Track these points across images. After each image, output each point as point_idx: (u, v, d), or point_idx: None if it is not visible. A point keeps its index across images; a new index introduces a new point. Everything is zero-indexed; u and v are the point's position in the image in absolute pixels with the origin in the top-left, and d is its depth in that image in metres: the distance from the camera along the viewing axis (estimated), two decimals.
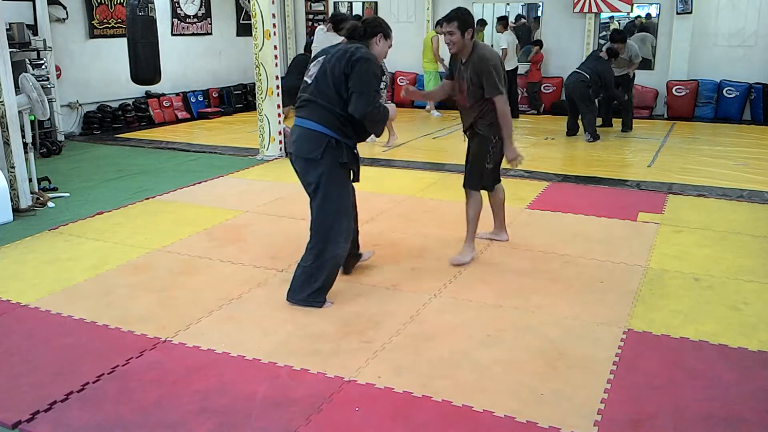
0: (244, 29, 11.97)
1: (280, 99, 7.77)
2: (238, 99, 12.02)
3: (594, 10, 10.83)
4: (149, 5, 7.04)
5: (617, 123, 9.49)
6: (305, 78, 3.63)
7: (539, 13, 11.66)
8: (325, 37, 7.68)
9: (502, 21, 10.63)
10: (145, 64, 7.18)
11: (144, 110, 10.42)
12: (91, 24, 9.62)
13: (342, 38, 3.76)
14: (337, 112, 3.49)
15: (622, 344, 3.24)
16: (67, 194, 6.19)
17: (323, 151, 3.48)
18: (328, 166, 3.52)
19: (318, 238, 3.61)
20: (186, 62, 11.27)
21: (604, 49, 8.96)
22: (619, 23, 11.69)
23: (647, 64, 10.75)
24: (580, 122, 8.94)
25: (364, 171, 6.97)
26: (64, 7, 9.14)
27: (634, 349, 3.20)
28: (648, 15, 11.69)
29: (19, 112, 5.62)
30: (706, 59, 10.47)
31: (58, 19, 9.09)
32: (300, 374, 2.98)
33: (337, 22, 7.14)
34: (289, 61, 12.08)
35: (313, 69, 3.58)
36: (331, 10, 12.91)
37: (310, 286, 3.63)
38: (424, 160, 7.58)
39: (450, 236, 4.84)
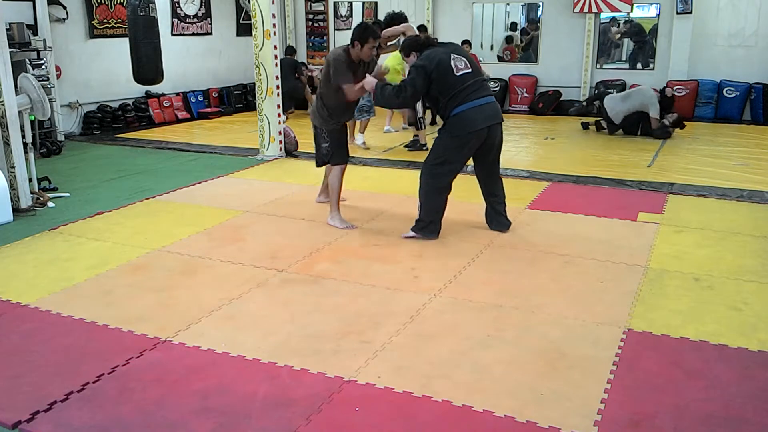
0: (244, 29, 11.97)
1: (280, 99, 7.77)
2: (238, 99, 12.02)
3: (594, 10, 10.83)
4: (150, 5, 7.03)
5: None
6: (463, 71, 4.48)
7: (539, 13, 11.65)
8: None
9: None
10: (147, 64, 7.18)
11: (144, 110, 10.42)
12: (91, 24, 9.62)
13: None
14: None
15: (622, 344, 3.24)
16: (67, 194, 6.19)
17: None
18: None
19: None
20: (186, 62, 11.27)
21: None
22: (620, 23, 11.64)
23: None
24: None
25: (363, 171, 7.09)
26: (64, 7, 9.14)
27: (634, 349, 3.20)
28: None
29: (19, 112, 5.62)
30: (706, 59, 10.47)
31: (58, 19, 9.09)
32: (300, 374, 2.98)
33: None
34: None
35: (461, 62, 4.51)
36: (331, 10, 12.94)
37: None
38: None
39: (450, 236, 4.84)
